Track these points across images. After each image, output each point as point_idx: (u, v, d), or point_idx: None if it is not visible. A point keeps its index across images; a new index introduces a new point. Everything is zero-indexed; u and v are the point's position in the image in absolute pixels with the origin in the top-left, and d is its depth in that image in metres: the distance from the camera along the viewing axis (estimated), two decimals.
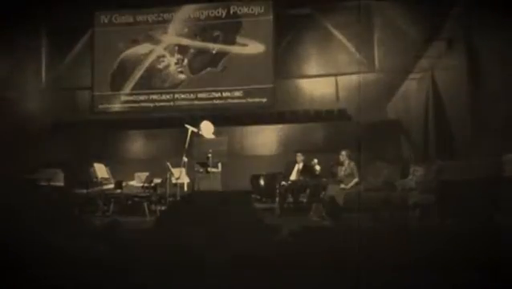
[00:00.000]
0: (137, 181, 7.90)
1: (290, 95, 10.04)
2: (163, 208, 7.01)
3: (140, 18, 10.58)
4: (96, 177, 7.74)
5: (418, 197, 5.90)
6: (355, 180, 6.92)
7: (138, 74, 10.42)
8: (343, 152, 7.09)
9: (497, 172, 5.35)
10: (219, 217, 1.66)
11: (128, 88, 10.46)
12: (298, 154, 7.89)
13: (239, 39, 10.14)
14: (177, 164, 6.76)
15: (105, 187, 7.73)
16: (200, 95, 10.16)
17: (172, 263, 1.57)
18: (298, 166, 7.85)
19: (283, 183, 7.70)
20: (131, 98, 10.45)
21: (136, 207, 7.43)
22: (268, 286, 1.63)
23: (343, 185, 6.90)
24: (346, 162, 7.06)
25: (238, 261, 1.56)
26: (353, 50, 9.69)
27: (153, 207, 7.37)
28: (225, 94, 10.08)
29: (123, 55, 10.51)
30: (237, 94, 10.03)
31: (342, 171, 7.08)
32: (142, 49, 10.47)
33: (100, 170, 7.89)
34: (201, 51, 10.29)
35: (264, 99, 9.91)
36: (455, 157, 7.83)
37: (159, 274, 1.63)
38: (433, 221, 5.54)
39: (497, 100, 7.15)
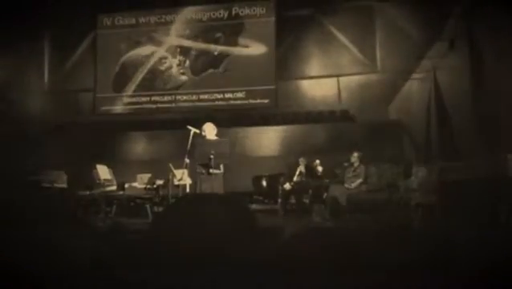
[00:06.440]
0: (139, 183, 7.90)
1: (292, 97, 10.03)
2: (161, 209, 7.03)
3: (142, 19, 10.61)
4: (99, 179, 7.75)
5: (421, 198, 5.87)
6: (359, 180, 6.91)
7: (140, 75, 10.45)
8: (355, 154, 7.06)
9: (500, 172, 5.33)
10: (219, 219, 1.66)
11: (130, 90, 10.48)
12: (301, 159, 7.88)
13: (241, 41, 10.15)
14: (179, 166, 6.76)
15: (108, 188, 7.72)
16: (202, 97, 10.17)
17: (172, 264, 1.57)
18: (301, 169, 7.85)
19: (286, 184, 7.70)
20: (133, 99, 10.47)
21: (139, 209, 7.43)
22: (269, 287, 1.63)
23: (346, 185, 6.90)
24: (356, 164, 7.03)
25: (238, 262, 1.56)
26: (355, 50, 9.69)
27: (156, 208, 7.37)
28: (227, 95, 10.08)
29: (125, 57, 10.54)
30: (239, 95, 10.03)
31: (350, 172, 7.06)
32: (144, 51, 10.50)
33: (103, 172, 7.90)
34: (202, 53, 10.31)
35: (266, 101, 9.91)
36: (457, 157, 7.80)
37: (159, 276, 1.63)
38: (436, 221, 5.52)
39: (499, 100, 7.13)
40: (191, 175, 6.91)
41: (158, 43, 10.49)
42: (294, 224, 6.50)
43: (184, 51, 10.39)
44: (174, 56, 10.41)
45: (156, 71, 10.44)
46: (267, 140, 9.70)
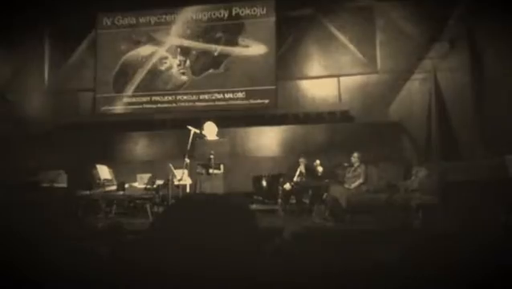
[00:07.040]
0: (139, 183, 7.90)
1: (292, 97, 10.03)
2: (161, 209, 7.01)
3: (142, 19, 10.60)
4: (99, 179, 7.75)
5: (421, 199, 5.87)
6: (360, 180, 6.89)
7: (140, 75, 10.44)
8: (355, 154, 7.04)
9: (501, 173, 5.33)
10: (218, 219, 1.66)
11: (130, 90, 10.47)
12: (301, 159, 7.88)
13: (241, 41, 10.14)
14: (180, 166, 6.76)
15: (108, 188, 7.72)
16: (202, 97, 10.16)
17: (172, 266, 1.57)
18: (301, 169, 7.84)
19: (286, 184, 7.69)
20: (133, 99, 10.47)
21: (139, 209, 7.43)
22: (268, 287, 1.62)
23: (346, 186, 6.89)
24: (356, 164, 7.02)
25: (239, 264, 1.56)
26: (355, 51, 9.69)
27: (156, 209, 7.36)
28: (227, 95, 10.08)
29: (125, 57, 10.53)
30: (239, 95, 10.03)
31: (350, 173, 7.04)
32: (144, 50, 10.49)
33: (103, 172, 7.90)
34: (203, 53, 10.30)
35: (266, 101, 9.90)
36: (458, 158, 7.81)
37: (159, 278, 1.62)
38: (436, 222, 5.52)
39: (499, 100, 7.14)
40: (191, 175, 6.91)
41: (158, 43, 10.48)
42: (294, 224, 6.49)
43: (184, 51, 10.38)
44: (174, 56, 10.40)
45: (156, 71, 10.43)
46: (267, 140, 9.70)
